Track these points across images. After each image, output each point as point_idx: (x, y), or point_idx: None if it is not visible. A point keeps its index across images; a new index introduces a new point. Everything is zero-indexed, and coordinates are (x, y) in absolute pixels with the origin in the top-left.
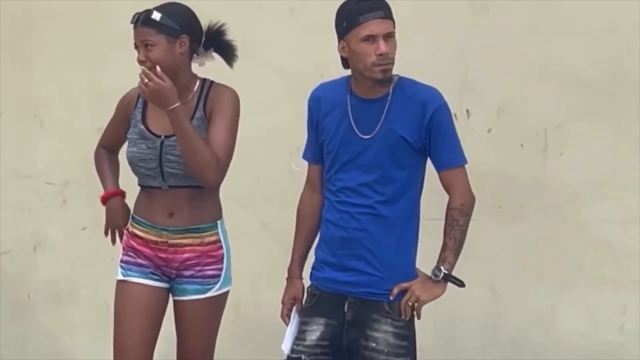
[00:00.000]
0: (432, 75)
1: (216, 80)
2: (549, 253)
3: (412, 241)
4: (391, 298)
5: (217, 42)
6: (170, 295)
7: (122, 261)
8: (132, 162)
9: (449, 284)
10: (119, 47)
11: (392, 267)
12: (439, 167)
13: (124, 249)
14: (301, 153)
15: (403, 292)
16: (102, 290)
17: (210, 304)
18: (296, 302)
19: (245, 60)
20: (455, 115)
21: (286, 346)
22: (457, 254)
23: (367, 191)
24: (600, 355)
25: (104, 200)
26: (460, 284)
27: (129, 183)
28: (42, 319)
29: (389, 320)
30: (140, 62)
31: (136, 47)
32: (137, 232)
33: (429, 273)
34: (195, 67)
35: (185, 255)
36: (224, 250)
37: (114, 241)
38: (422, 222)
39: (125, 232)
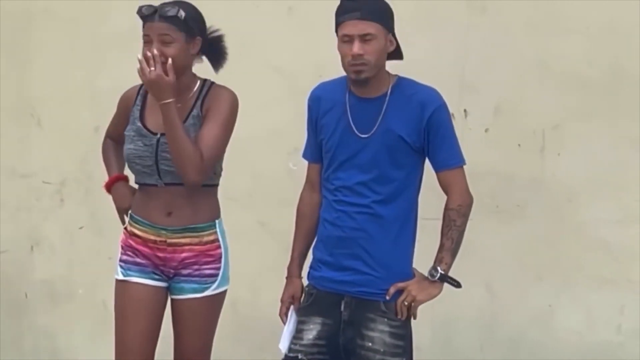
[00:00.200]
0: (431, 74)
1: (214, 79)
2: (547, 253)
3: (409, 241)
4: (387, 298)
5: (214, 47)
6: (168, 294)
7: (121, 260)
8: (129, 159)
9: (446, 285)
10: (117, 46)
11: (388, 266)
12: (437, 168)
13: (122, 247)
14: (299, 153)
15: (399, 291)
16: (99, 289)
17: (208, 303)
18: (295, 300)
19: (243, 60)
20: (453, 115)
21: (283, 345)
22: (454, 255)
23: (364, 190)
24: (598, 355)
25: (109, 186)
26: (457, 284)
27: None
28: (39, 318)
29: (385, 319)
30: (147, 56)
31: (147, 38)
32: (136, 231)
33: (426, 273)
34: None
35: (183, 255)
36: (222, 249)
37: (123, 222)
38: (421, 222)
39: (123, 231)
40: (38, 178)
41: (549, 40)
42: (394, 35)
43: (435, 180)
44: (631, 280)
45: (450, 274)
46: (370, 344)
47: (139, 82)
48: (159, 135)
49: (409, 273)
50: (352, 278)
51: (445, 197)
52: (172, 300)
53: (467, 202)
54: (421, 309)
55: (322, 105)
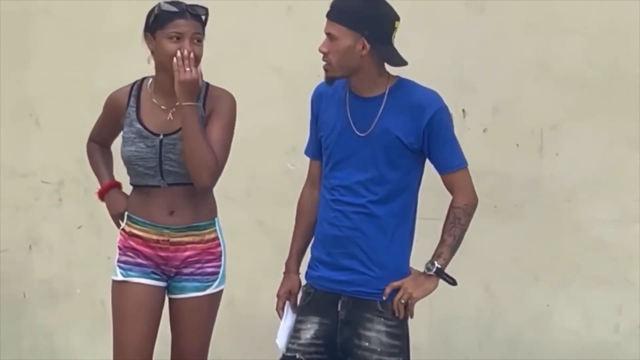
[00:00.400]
0: (429, 74)
1: (214, 79)
2: (545, 253)
3: (406, 241)
4: (384, 298)
5: None
6: (166, 294)
7: (120, 262)
8: (129, 161)
9: (444, 285)
10: (116, 46)
11: (385, 266)
12: (441, 171)
13: (120, 249)
14: (297, 152)
15: (396, 290)
16: (98, 289)
17: (209, 301)
18: (291, 296)
19: (242, 60)
20: (451, 114)
21: (280, 341)
22: (453, 252)
23: (360, 190)
24: (596, 355)
25: (102, 193)
26: (452, 281)
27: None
28: (37, 317)
29: (382, 319)
30: (185, 55)
31: (178, 35)
32: (136, 232)
33: (415, 267)
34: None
35: (186, 253)
36: (222, 247)
37: (118, 226)
38: (419, 222)
39: (120, 232)
40: (37, 178)
41: (548, 40)
42: (374, 40)
43: (434, 180)
44: (629, 280)
45: (448, 272)
46: (367, 344)
47: None
48: (161, 137)
49: (406, 273)
50: (348, 277)
51: (444, 197)
52: (171, 299)
53: (473, 202)
54: (419, 309)
55: (323, 102)
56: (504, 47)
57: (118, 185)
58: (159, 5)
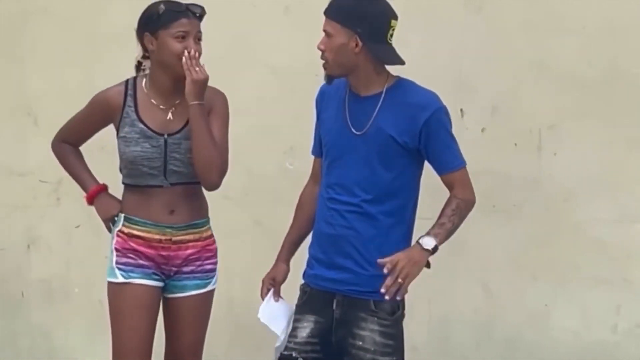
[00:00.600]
0: (427, 74)
1: (212, 78)
2: (543, 252)
3: (402, 241)
4: (383, 291)
5: None
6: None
7: (120, 263)
8: (134, 162)
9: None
10: (113, 44)
11: (378, 265)
12: (439, 171)
13: (119, 251)
14: (295, 152)
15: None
16: (96, 288)
17: (207, 298)
18: (275, 284)
19: (240, 59)
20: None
21: (261, 314)
22: (447, 238)
23: (355, 189)
24: (594, 354)
25: (91, 199)
26: (429, 265)
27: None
28: (35, 317)
29: (375, 319)
30: (182, 53)
31: (183, 34)
32: (136, 233)
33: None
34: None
35: (188, 252)
36: (216, 244)
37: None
38: (418, 222)
39: (117, 234)
40: (35, 177)
41: (546, 40)
42: (367, 38)
43: (432, 180)
44: (627, 280)
45: (446, 271)
46: (360, 343)
47: None
48: (165, 136)
49: None
50: (342, 276)
51: (441, 197)
52: (169, 299)
53: (473, 200)
54: (418, 309)
55: (324, 101)
56: (502, 46)
57: (106, 188)
58: (160, 4)
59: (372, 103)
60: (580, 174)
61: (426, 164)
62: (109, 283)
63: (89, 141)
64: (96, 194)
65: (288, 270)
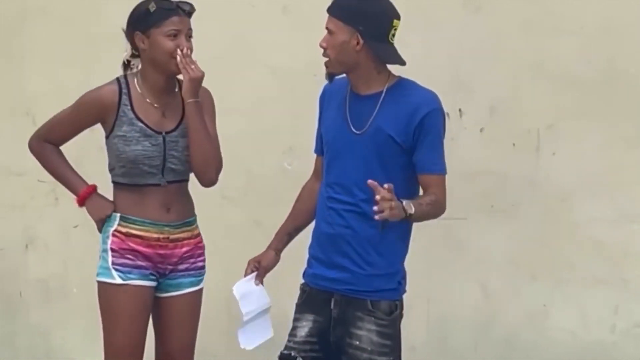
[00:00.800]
0: (425, 74)
1: (211, 78)
2: (541, 252)
3: (400, 241)
4: (376, 209)
5: None
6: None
7: (118, 264)
8: (135, 161)
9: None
10: (112, 45)
11: (376, 265)
12: (418, 170)
13: (116, 251)
14: (294, 152)
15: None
16: (94, 288)
17: (200, 295)
18: (260, 267)
19: (238, 59)
20: (447, 114)
21: (236, 289)
22: (423, 216)
23: (353, 188)
24: (592, 354)
25: (83, 200)
26: (383, 225)
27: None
28: (33, 316)
29: (372, 318)
30: (175, 51)
31: (175, 32)
32: (134, 232)
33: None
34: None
35: (183, 249)
36: (203, 242)
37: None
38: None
39: (114, 234)
40: (33, 177)
41: (544, 40)
42: (369, 36)
43: None
44: (625, 279)
45: (444, 271)
46: (357, 343)
47: None
48: (164, 134)
49: (398, 272)
50: (340, 276)
51: None
52: (162, 298)
53: (444, 207)
54: (417, 309)
55: (326, 99)
56: (500, 46)
57: (96, 189)
58: (150, 3)
59: (372, 102)
60: (579, 174)
61: None
62: (104, 283)
63: (88, 141)
64: (88, 195)
65: (276, 259)
